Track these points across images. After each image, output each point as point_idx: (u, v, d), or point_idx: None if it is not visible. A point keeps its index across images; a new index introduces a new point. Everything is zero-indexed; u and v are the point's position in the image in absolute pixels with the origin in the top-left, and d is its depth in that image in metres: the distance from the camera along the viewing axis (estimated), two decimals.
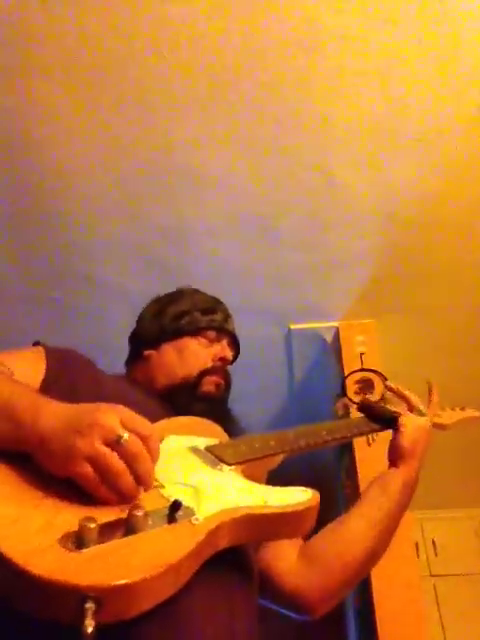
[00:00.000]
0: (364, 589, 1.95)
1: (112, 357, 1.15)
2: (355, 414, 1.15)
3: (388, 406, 1.09)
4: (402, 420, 1.03)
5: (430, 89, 1.74)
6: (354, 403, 2.22)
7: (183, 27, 1.60)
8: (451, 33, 1.61)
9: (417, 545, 3.07)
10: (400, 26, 1.59)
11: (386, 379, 2.13)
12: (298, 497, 0.70)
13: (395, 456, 1.02)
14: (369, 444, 2.13)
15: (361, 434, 1.09)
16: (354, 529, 0.95)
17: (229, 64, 1.68)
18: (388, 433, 1.05)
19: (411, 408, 1.08)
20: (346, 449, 2.35)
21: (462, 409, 1.19)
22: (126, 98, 1.78)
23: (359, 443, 2.18)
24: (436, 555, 3.37)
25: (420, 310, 2.49)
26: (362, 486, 2.05)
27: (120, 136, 1.88)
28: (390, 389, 1.13)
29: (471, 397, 1.41)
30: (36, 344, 0.96)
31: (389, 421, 1.04)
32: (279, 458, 0.86)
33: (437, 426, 1.12)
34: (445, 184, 2.01)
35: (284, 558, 0.94)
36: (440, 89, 1.74)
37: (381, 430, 1.06)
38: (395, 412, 1.05)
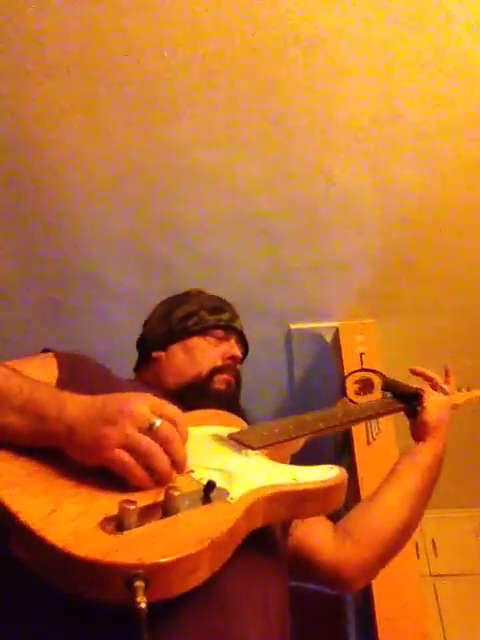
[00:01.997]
0: (364, 589, 1.95)
1: (112, 357, 1.14)
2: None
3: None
4: (426, 397, 1.05)
5: (430, 89, 1.74)
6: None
7: (183, 27, 1.61)
8: (451, 33, 1.61)
9: (417, 545, 3.07)
10: (400, 26, 1.59)
11: (386, 379, 2.13)
12: (327, 474, 0.71)
13: (421, 431, 1.04)
14: (369, 443, 2.13)
15: (381, 414, 1.09)
16: (388, 503, 0.97)
17: (229, 64, 1.68)
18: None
19: (435, 387, 1.09)
20: (346, 449, 2.35)
21: (468, 390, 1.21)
22: (126, 98, 1.78)
23: (359, 443, 2.18)
24: (436, 555, 3.36)
25: (420, 310, 2.49)
26: (362, 486, 2.05)
27: (120, 136, 1.89)
28: (414, 372, 1.15)
29: None
30: (45, 351, 0.96)
31: (413, 397, 1.06)
32: (301, 442, 0.87)
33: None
34: (445, 184, 2.01)
35: (320, 535, 0.95)
36: (440, 89, 1.74)
37: (404, 409, 1.07)
38: (419, 389, 1.07)
